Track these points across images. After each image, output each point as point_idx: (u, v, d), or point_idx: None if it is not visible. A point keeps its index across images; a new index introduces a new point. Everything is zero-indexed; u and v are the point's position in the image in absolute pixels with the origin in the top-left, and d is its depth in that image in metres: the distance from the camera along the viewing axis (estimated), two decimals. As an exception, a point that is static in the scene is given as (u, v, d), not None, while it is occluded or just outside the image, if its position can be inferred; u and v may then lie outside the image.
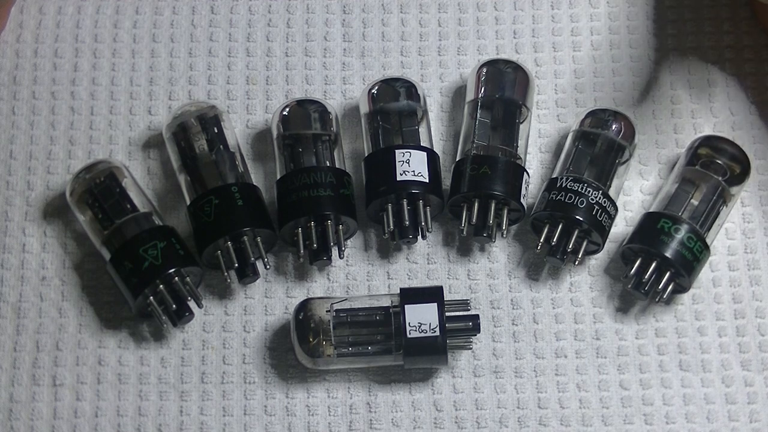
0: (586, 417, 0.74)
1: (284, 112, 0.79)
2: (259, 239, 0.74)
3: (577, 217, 0.74)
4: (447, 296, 0.73)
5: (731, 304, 0.77)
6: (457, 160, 0.77)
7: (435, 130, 0.81)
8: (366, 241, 0.78)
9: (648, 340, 0.76)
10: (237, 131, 0.80)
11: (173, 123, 0.78)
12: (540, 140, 0.81)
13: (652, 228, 0.74)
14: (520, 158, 0.77)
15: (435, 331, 0.70)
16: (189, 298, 0.73)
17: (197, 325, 0.75)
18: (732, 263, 0.78)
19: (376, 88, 0.79)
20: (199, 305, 0.74)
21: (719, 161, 0.77)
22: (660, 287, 0.74)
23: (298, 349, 0.72)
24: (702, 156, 0.77)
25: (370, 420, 0.73)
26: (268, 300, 0.76)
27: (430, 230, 0.76)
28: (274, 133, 0.78)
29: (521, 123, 0.78)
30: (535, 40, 0.84)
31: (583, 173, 0.76)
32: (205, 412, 0.73)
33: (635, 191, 0.80)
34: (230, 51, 0.83)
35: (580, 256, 0.75)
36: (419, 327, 0.70)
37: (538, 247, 0.76)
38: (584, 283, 0.77)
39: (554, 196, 0.75)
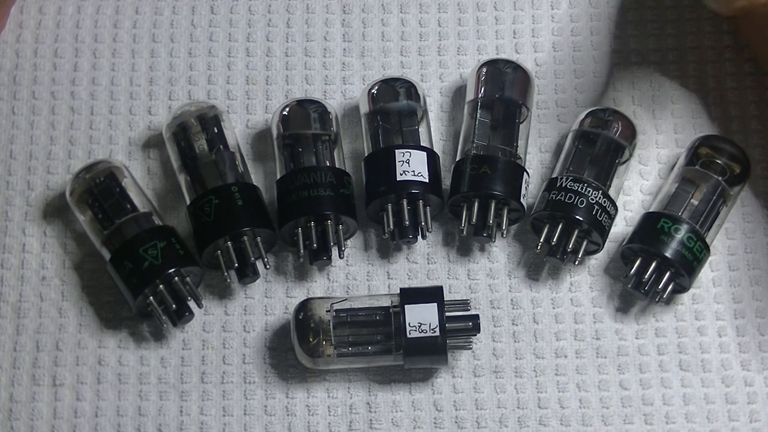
0: (586, 417, 0.74)
1: (284, 112, 0.79)
2: (259, 239, 0.74)
3: (577, 217, 0.74)
4: (447, 296, 0.73)
5: (731, 304, 0.77)
6: (457, 160, 0.77)
7: (435, 130, 0.81)
8: (366, 241, 0.78)
9: (648, 340, 0.76)
10: (237, 131, 0.80)
11: (173, 123, 0.78)
12: (540, 140, 0.81)
13: (652, 228, 0.74)
14: (520, 158, 0.77)
15: (435, 331, 0.70)
16: (189, 298, 0.73)
17: (197, 325, 0.75)
18: (732, 263, 0.78)
19: (376, 88, 0.79)
20: (199, 305, 0.74)
21: (719, 161, 0.77)
22: (660, 287, 0.74)
23: (298, 349, 0.72)
24: (702, 156, 0.77)
25: (370, 420, 0.73)
26: (268, 300, 0.76)
27: (430, 230, 0.76)
28: (274, 133, 0.78)
29: (521, 123, 0.78)
30: (535, 40, 0.84)
31: (583, 173, 0.76)
32: (205, 412, 0.73)
33: (635, 191, 0.80)
34: (230, 51, 0.83)
35: (580, 256, 0.75)
36: (419, 327, 0.70)
37: (538, 247, 0.76)
38: (584, 283, 0.77)
39: (554, 196, 0.75)
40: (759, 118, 0.82)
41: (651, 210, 0.76)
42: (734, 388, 0.75)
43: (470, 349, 0.74)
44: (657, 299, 0.74)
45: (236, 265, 0.74)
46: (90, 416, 0.73)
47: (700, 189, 0.76)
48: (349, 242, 0.78)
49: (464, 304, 0.73)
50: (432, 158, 0.76)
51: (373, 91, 0.79)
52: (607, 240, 0.76)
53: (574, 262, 0.75)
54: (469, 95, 0.80)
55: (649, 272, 0.74)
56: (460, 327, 0.72)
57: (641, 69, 0.83)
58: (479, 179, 0.75)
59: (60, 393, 0.74)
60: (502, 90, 0.79)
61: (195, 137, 0.77)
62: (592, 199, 0.74)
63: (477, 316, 0.72)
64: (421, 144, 0.77)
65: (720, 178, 0.76)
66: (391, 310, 0.72)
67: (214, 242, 0.73)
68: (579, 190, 0.74)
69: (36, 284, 0.76)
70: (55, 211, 0.78)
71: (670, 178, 0.78)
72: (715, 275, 0.77)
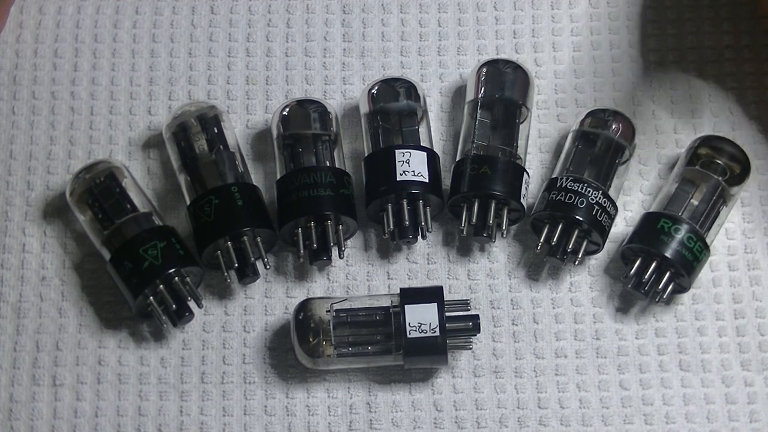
0: (586, 417, 0.74)
1: (284, 112, 0.79)
2: (259, 239, 0.74)
3: (577, 217, 0.74)
4: (447, 296, 0.73)
5: (731, 304, 0.77)
6: (457, 160, 0.77)
7: (435, 130, 0.81)
8: (366, 241, 0.78)
9: (648, 340, 0.76)
10: (237, 131, 0.80)
11: (173, 123, 0.78)
12: (540, 140, 0.81)
13: (652, 228, 0.74)
14: (520, 158, 0.77)
15: (435, 331, 0.70)
16: (189, 298, 0.73)
17: (197, 325, 0.75)
18: (732, 263, 0.78)
19: (376, 88, 0.79)
20: (199, 305, 0.74)
21: (719, 161, 0.77)
22: (660, 287, 0.74)
23: (298, 349, 0.72)
24: (702, 156, 0.77)
25: (370, 420, 0.73)
26: (268, 300, 0.76)
27: (430, 230, 0.76)
28: (274, 133, 0.78)
29: (521, 123, 0.78)
30: (535, 40, 0.84)
31: (583, 173, 0.76)
32: (205, 412, 0.73)
33: (635, 191, 0.80)
34: (230, 51, 0.83)
35: (580, 256, 0.75)
36: (419, 327, 0.70)
37: (538, 247, 0.76)
38: (584, 283, 0.77)
39: (554, 196, 0.75)
40: (759, 118, 0.82)
41: (651, 210, 0.76)
42: (734, 388, 0.75)
43: (470, 349, 0.74)
44: (657, 299, 0.74)
45: (236, 265, 0.74)
46: (90, 416, 0.73)
47: (700, 189, 0.76)
48: (349, 242, 0.78)
49: (464, 304, 0.73)
50: (432, 158, 0.76)
51: (373, 91, 0.79)
52: (607, 240, 0.76)
53: (574, 262, 0.75)
54: (469, 95, 0.80)
55: (649, 272, 0.74)
56: (460, 327, 0.72)
57: (641, 69, 0.83)
58: (479, 179, 0.75)
59: (60, 393, 0.74)
60: (502, 90, 0.79)
61: (195, 137, 0.77)
62: (592, 199, 0.74)
63: (477, 316, 0.72)
64: (421, 144, 0.77)
65: (720, 178, 0.76)
66: (391, 310, 0.72)
67: (214, 242, 0.73)
68: (579, 190, 0.74)
69: (36, 284, 0.76)
70: (55, 211, 0.78)
71: (670, 178, 0.78)
72: (715, 275, 0.77)
